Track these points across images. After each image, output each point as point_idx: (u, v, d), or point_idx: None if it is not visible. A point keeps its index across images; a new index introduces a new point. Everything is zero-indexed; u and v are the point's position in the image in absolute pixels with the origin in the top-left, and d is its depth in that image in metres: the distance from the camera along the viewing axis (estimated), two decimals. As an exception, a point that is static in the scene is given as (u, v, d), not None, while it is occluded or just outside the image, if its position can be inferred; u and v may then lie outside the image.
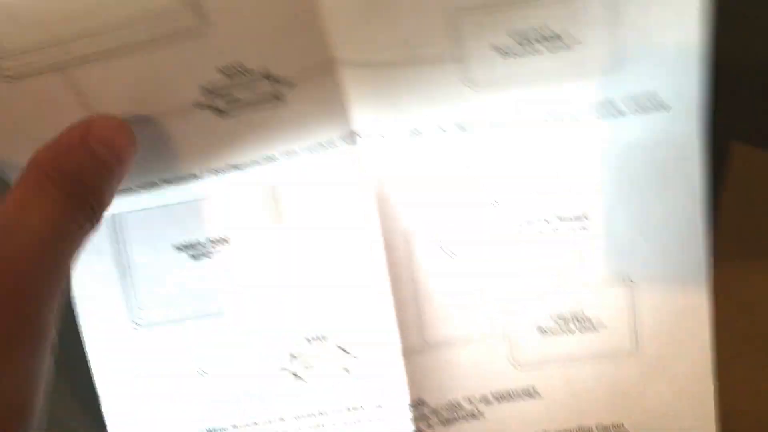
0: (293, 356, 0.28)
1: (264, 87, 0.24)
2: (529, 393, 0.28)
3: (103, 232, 0.27)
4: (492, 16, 0.23)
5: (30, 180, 0.21)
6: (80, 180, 0.21)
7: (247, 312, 0.28)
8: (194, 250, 0.28)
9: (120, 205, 0.27)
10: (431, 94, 0.25)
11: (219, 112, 0.24)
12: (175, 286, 0.28)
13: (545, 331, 0.28)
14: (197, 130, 0.25)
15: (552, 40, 0.23)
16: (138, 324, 0.28)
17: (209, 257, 0.28)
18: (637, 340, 0.27)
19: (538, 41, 0.23)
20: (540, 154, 0.26)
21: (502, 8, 0.23)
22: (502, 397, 0.28)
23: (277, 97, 0.24)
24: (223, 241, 0.28)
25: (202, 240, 0.28)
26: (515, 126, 0.25)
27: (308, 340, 0.28)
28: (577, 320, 0.27)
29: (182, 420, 0.29)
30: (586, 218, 0.26)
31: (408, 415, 0.28)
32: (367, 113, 0.25)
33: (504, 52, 0.24)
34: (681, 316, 0.26)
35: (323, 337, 0.28)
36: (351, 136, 0.26)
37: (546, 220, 0.27)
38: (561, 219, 0.27)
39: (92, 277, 0.27)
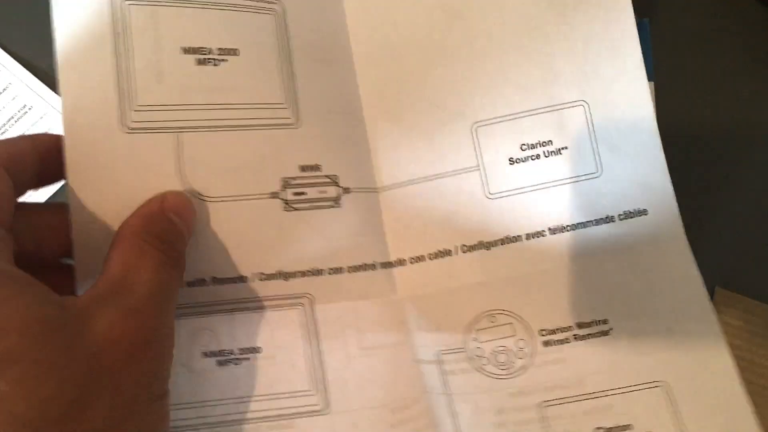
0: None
1: (331, 191, 0.29)
2: None
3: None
4: (502, 127, 0.30)
5: (128, 244, 0.24)
6: (171, 242, 0.25)
7: None
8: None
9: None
10: (457, 208, 0.30)
11: (286, 203, 0.28)
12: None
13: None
14: (264, 222, 0.28)
15: (546, 145, 0.30)
16: None
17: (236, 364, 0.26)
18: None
19: (534, 147, 0.30)
20: (549, 262, 0.30)
21: (510, 120, 0.30)
22: None
23: (337, 203, 0.29)
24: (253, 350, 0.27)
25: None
26: (527, 239, 0.30)
27: None
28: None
29: None
30: (605, 323, 0.28)
31: None
32: (402, 239, 0.30)
33: (512, 160, 0.30)
34: (723, 416, 0.26)
35: None
36: (388, 263, 0.29)
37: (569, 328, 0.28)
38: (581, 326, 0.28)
39: None
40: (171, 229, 0.25)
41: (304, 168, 0.29)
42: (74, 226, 0.25)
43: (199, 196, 0.27)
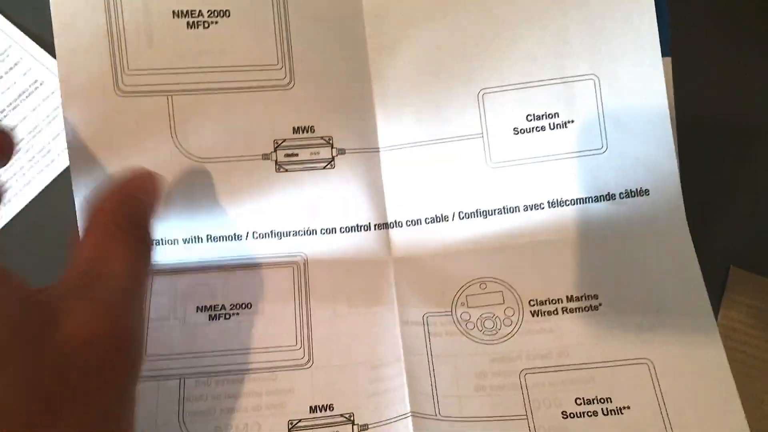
0: None
1: (324, 152, 0.29)
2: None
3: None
4: (509, 96, 0.30)
5: (102, 228, 0.23)
6: (143, 225, 0.24)
7: None
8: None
9: (159, 256, 0.28)
10: (458, 174, 0.30)
11: (277, 165, 0.29)
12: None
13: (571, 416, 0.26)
14: (256, 183, 0.28)
15: (552, 117, 0.29)
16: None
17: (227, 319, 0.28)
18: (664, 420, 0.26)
19: (540, 118, 0.29)
20: (545, 235, 0.29)
21: (518, 89, 0.30)
22: None
23: (331, 165, 0.29)
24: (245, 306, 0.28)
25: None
26: (525, 210, 0.29)
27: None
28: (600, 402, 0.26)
29: None
30: (595, 298, 0.28)
31: None
32: (400, 202, 0.30)
33: (517, 130, 0.30)
34: (707, 396, 0.26)
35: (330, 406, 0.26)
36: (384, 224, 0.30)
37: (559, 300, 0.28)
38: (571, 299, 0.28)
39: None
40: (140, 208, 0.24)
41: (296, 130, 0.29)
42: (75, 189, 0.26)
43: (192, 157, 0.28)
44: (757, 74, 0.34)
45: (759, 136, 0.33)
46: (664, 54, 0.29)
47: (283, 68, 0.29)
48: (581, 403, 0.27)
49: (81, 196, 0.27)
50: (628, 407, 0.26)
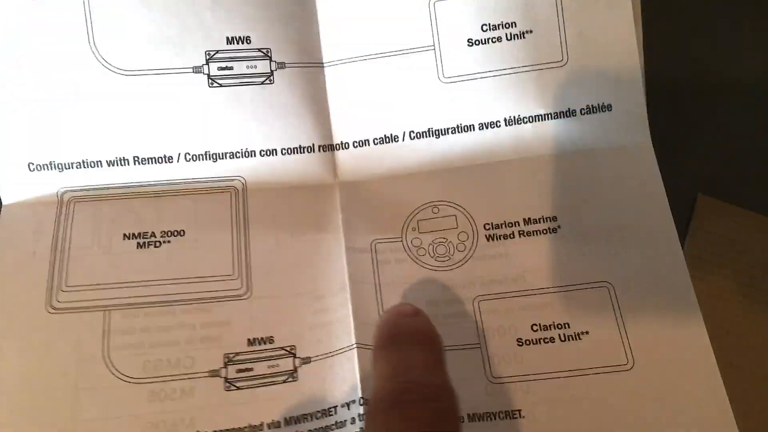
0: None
1: (262, 65, 0.26)
2: (510, 415, 0.23)
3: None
4: (462, 4, 0.27)
5: None
6: None
7: None
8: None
9: (81, 180, 0.26)
10: (408, 90, 0.27)
11: (210, 79, 0.26)
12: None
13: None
14: (187, 99, 0.26)
15: (509, 27, 0.27)
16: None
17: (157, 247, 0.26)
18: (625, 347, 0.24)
19: (496, 28, 0.27)
20: (502, 155, 0.27)
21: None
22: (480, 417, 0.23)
23: (270, 79, 0.26)
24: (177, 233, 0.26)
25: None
26: (480, 129, 0.27)
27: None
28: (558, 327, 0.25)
29: None
30: (554, 220, 0.26)
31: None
32: (347, 121, 0.27)
33: (471, 42, 0.27)
34: (670, 322, 0.24)
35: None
36: (330, 146, 0.27)
37: (515, 223, 0.26)
38: (528, 222, 0.26)
39: None
40: None
41: (231, 40, 0.26)
42: None
43: (114, 69, 0.25)
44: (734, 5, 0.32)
45: (734, 62, 0.32)
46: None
47: None
48: (537, 330, 0.25)
49: None
50: (587, 332, 0.25)
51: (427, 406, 0.20)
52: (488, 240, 0.27)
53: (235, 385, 0.24)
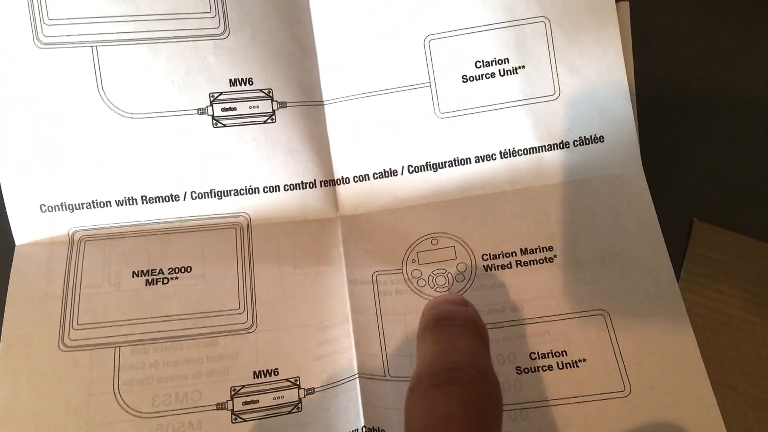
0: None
1: (264, 106, 0.27)
2: None
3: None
4: (456, 42, 0.28)
5: None
6: None
7: None
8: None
9: (91, 219, 0.27)
10: (406, 126, 0.28)
11: (214, 120, 0.27)
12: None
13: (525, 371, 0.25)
14: (192, 140, 0.27)
15: (502, 63, 0.28)
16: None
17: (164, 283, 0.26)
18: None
19: (489, 65, 0.28)
20: (498, 186, 0.28)
21: (465, 34, 0.28)
22: None
23: (272, 118, 0.27)
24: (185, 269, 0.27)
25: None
26: (476, 162, 0.28)
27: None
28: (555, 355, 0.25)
29: None
30: (550, 249, 0.27)
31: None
32: (347, 156, 0.28)
33: (465, 78, 0.28)
34: (666, 348, 0.25)
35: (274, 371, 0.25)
36: (331, 181, 0.28)
37: (512, 253, 0.27)
38: (525, 252, 0.27)
39: None
40: None
41: (233, 82, 0.27)
42: None
43: (122, 113, 0.26)
44: (719, 25, 0.33)
45: (726, 83, 0.32)
46: (620, -4, 0.28)
47: (217, 16, 0.27)
48: (536, 358, 0.26)
49: None
50: (584, 360, 0.25)
51: (473, 387, 0.19)
52: (486, 270, 0.27)
53: (241, 417, 0.25)
